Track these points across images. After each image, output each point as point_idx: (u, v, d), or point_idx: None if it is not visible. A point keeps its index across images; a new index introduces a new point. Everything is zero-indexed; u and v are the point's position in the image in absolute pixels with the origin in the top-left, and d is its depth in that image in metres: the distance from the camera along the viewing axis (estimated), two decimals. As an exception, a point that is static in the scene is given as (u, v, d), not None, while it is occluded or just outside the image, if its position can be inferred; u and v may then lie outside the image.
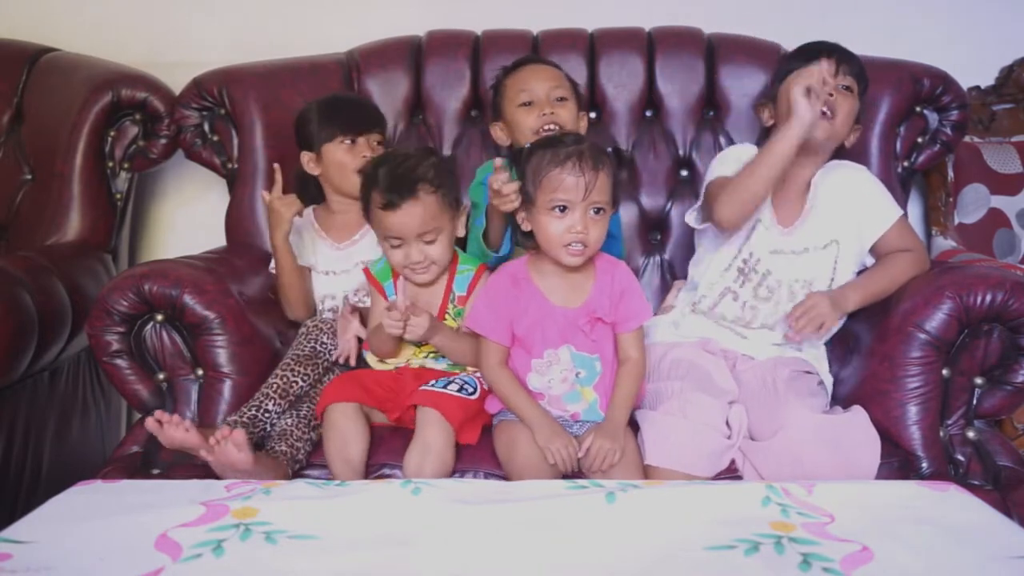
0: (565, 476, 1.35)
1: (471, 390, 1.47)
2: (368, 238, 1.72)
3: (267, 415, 1.45)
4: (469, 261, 1.57)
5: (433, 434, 1.39)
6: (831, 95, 1.52)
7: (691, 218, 1.69)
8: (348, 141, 1.70)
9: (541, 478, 1.32)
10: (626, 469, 1.37)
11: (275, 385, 1.48)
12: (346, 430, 1.42)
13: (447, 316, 1.54)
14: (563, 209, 1.37)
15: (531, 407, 1.40)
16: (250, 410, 1.45)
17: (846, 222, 1.60)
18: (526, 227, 1.43)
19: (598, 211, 1.38)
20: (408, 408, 1.48)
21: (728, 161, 1.62)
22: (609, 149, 1.52)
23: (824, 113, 1.52)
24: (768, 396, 1.48)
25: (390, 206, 1.44)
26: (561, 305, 1.44)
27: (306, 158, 1.74)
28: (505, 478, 1.39)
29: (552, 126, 1.64)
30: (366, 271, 1.59)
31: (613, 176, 1.41)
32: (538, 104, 1.68)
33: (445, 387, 1.46)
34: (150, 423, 1.35)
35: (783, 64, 1.68)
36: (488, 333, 1.44)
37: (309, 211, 1.79)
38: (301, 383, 1.50)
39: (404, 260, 1.48)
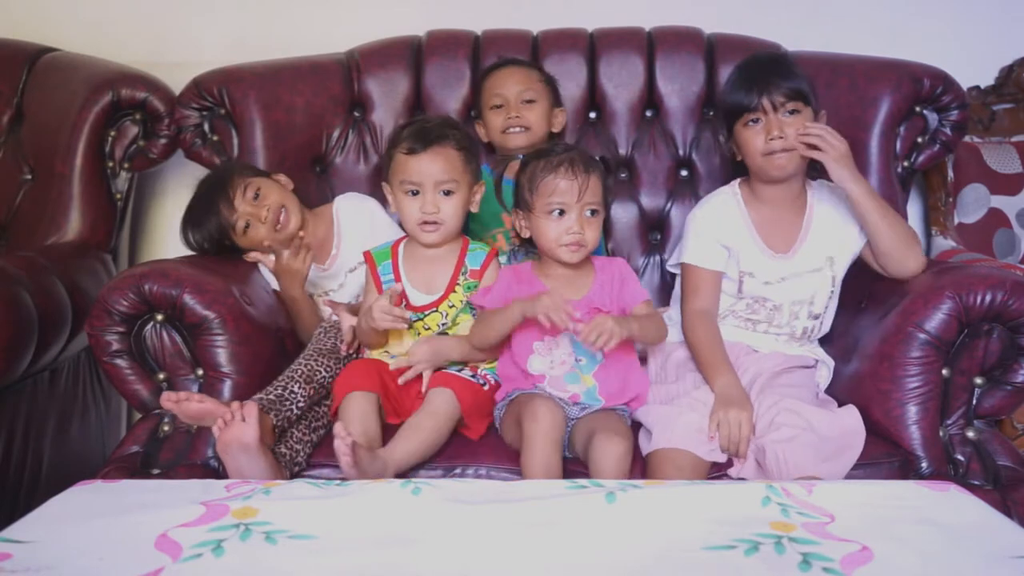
0: (566, 466, 1.35)
1: (482, 381, 1.52)
2: (345, 246, 1.73)
3: (293, 395, 1.43)
4: (479, 244, 1.61)
5: (440, 400, 1.42)
6: (781, 137, 1.51)
7: (671, 266, 1.70)
8: (242, 224, 1.67)
9: (550, 444, 1.34)
10: (612, 435, 1.36)
11: (299, 371, 1.48)
12: (364, 411, 1.42)
13: (457, 287, 1.56)
14: (560, 213, 1.46)
15: (512, 305, 1.43)
16: (276, 389, 1.43)
17: (837, 239, 1.60)
18: (525, 234, 1.52)
19: (592, 212, 1.47)
20: (415, 403, 1.50)
21: (703, 235, 1.59)
22: (598, 157, 1.57)
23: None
24: (758, 391, 1.49)
25: (414, 151, 1.49)
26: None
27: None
28: (516, 456, 1.39)
29: (518, 128, 1.78)
30: (366, 254, 1.61)
31: (603, 179, 1.49)
32: (507, 107, 1.80)
33: (459, 371, 1.51)
34: (166, 404, 1.34)
35: (729, 94, 1.60)
36: (489, 306, 1.50)
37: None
38: (324, 373, 1.51)
39: (418, 211, 1.50)
